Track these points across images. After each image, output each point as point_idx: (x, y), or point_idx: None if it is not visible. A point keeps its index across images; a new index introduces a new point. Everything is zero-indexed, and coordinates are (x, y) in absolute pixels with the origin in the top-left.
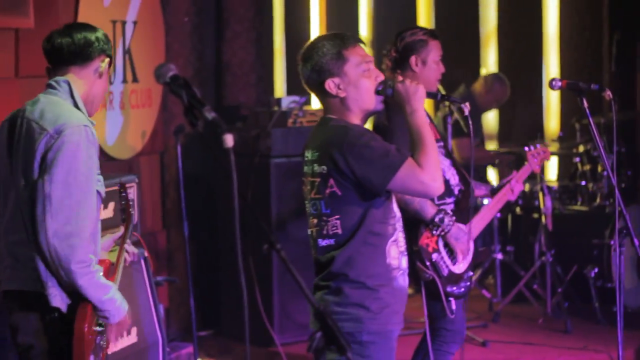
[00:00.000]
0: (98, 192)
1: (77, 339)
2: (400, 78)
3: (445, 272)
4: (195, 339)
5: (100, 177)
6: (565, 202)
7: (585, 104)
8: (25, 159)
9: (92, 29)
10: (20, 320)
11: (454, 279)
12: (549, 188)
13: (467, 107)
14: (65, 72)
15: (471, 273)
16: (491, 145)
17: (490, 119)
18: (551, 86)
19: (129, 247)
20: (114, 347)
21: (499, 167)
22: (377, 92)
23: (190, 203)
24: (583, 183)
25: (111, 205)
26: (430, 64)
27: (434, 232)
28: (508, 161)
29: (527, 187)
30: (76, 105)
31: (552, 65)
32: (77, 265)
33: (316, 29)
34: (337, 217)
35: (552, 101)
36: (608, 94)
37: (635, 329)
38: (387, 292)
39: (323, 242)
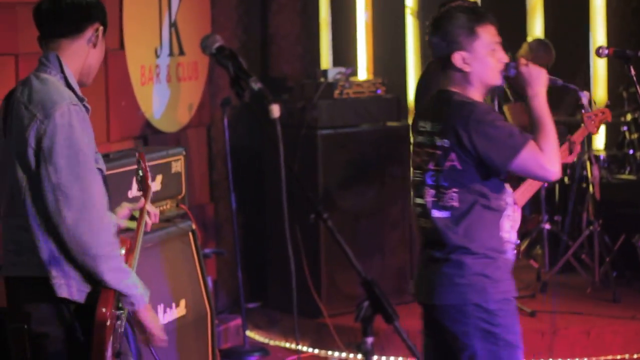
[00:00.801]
0: (99, 169)
1: (98, 324)
2: (523, 61)
3: None
4: (244, 310)
5: (99, 155)
6: (613, 171)
7: (633, 72)
8: (17, 145)
9: None
10: (32, 308)
11: None
12: (596, 157)
13: (585, 96)
14: (56, 45)
15: (518, 241)
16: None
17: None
18: (598, 54)
19: (149, 207)
20: (163, 320)
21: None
22: (502, 72)
23: (238, 175)
24: (631, 152)
25: (158, 178)
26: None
27: None
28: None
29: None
30: (67, 83)
31: (598, 34)
32: (105, 249)
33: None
34: (454, 190)
35: (599, 69)
36: None
37: None
38: (502, 262)
39: (438, 213)
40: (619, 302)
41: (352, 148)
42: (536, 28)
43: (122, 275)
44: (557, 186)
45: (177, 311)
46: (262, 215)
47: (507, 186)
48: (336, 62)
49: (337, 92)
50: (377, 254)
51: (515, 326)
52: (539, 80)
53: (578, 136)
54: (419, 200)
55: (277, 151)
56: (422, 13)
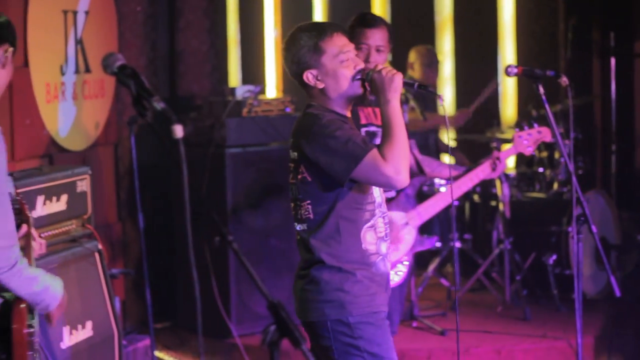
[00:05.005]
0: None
1: (17, 340)
2: (378, 67)
3: None
4: (152, 331)
5: (9, 177)
6: (523, 189)
7: (542, 91)
8: None
9: None
10: None
11: None
12: (506, 175)
13: (442, 99)
14: None
15: (406, 262)
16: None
17: (447, 105)
18: (507, 73)
19: (35, 235)
20: (69, 342)
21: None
22: (354, 80)
23: (146, 194)
24: (540, 170)
25: (64, 197)
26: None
27: None
28: (467, 150)
29: None
30: None
31: (508, 52)
32: (6, 272)
33: (270, 16)
34: (308, 202)
35: (508, 88)
36: (564, 80)
37: (593, 316)
38: (365, 276)
39: (298, 227)
40: (529, 321)
41: (261, 167)
42: (445, 46)
43: (31, 283)
44: (467, 204)
45: (84, 332)
46: (170, 235)
47: (375, 196)
48: (245, 80)
49: (245, 110)
50: (287, 272)
51: (379, 337)
52: (391, 86)
53: (505, 154)
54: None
55: (182, 171)
56: None
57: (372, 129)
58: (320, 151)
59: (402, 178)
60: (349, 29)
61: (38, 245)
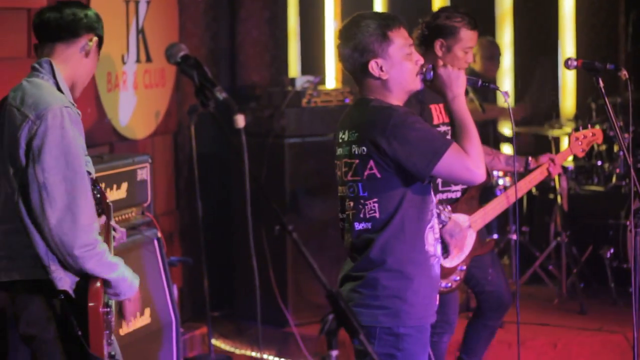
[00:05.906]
0: (88, 172)
1: (93, 318)
2: (441, 63)
3: None
4: (209, 319)
5: (88, 158)
6: (581, 182)
7: (601, 84)
8: (10, 147)
9: (83, 6)
10: (22, 311)
11: (442, 273)
12: (564, 168)
13: (507, 95)
14: (51, 50)
15: (464, 267)
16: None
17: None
18: (567, 66)
19: (114, 224)
20: (127, 329)
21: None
22: (417, 74)
23: (204, 183)
24: (599, 163)
25: (124, 185)
26: (456, 52)
27: None
28: (526, 142)
29: None
30: (58, 87)
31: (567, 45)
32: (82, 250)
33: (331, 8)
34: (375, 200)
35: (568, 81)
36: (624, 73)
37: None
38: (423, 281)
39: (359, 226)
40: (586, 314)
41: (320, 157)
42: (505, 39)
43: (109, 268)
44: (525, 197)
45: (142, 320)
46: (228, 223)
47: (432, 195)
48: (304, 70)
49: (305, 100)
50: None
51: (419, 354)
52: (458, 81)
53: (560, 157)
54: (342, 215)
55: (242, 160)
56: None
57: (443, 129)
58: (400, 146)
59: (482, 172)
60: (448, 27)
61: (120, 234)
